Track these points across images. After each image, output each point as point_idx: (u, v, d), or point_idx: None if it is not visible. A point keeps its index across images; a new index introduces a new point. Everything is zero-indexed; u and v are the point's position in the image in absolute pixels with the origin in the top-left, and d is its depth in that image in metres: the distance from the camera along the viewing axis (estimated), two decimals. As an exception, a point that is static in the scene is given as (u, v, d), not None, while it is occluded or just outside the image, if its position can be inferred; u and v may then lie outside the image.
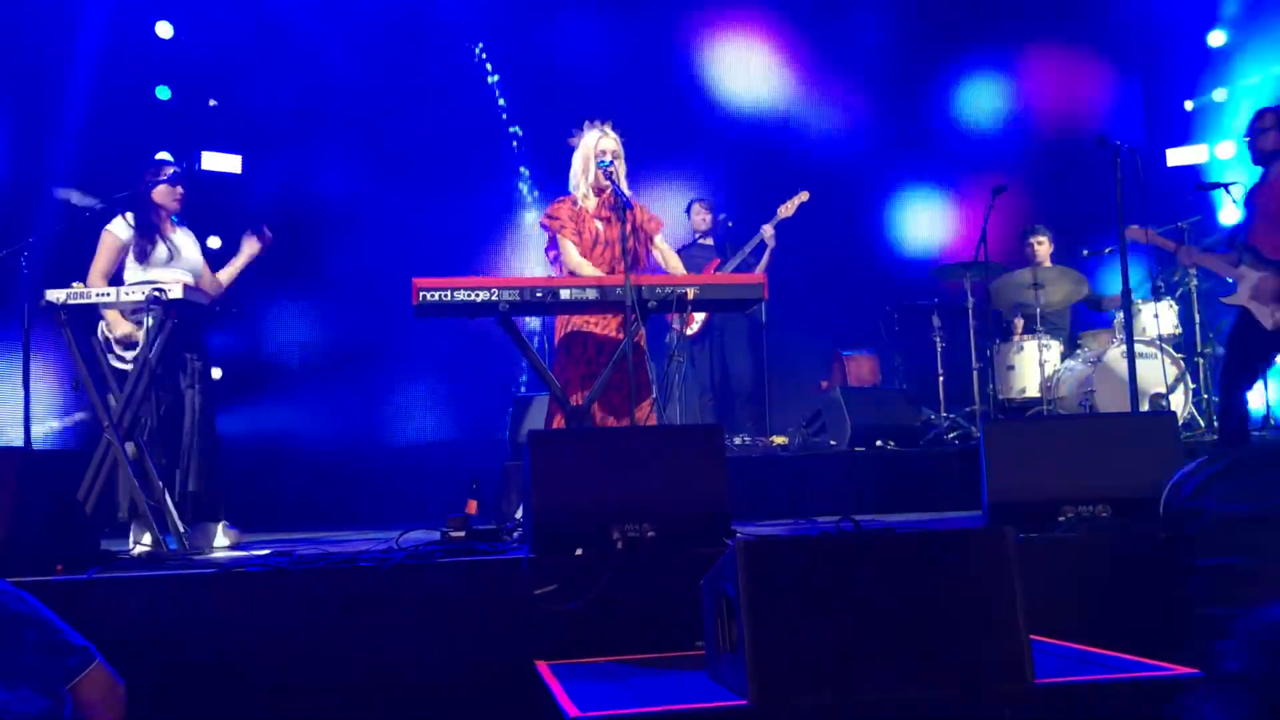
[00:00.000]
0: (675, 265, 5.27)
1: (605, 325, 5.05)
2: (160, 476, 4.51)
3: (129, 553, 4.28)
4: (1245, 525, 3.38)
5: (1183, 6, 9.12)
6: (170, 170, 5.28)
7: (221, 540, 4.89)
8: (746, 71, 9.19)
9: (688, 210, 8.12)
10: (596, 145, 5.09)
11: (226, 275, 5.47)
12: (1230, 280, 5.52)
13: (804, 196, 7.55)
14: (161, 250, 5.11)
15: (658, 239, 5.23)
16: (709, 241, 7.93)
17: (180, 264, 5.16)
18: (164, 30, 7.63)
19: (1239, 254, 5.38)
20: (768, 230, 7.50)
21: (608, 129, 5.13)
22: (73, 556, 3.56)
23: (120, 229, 5.08)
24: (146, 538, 4.40)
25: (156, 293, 4.44)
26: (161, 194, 5.18)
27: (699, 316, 7.50)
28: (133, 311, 4.69)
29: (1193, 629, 3.37)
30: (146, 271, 5.04)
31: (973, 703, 2.40)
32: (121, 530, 4.68)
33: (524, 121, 8.69)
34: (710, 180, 8.79)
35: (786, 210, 7.52)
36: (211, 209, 7.39)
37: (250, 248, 5.44)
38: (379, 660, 3.30)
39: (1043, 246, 7.74)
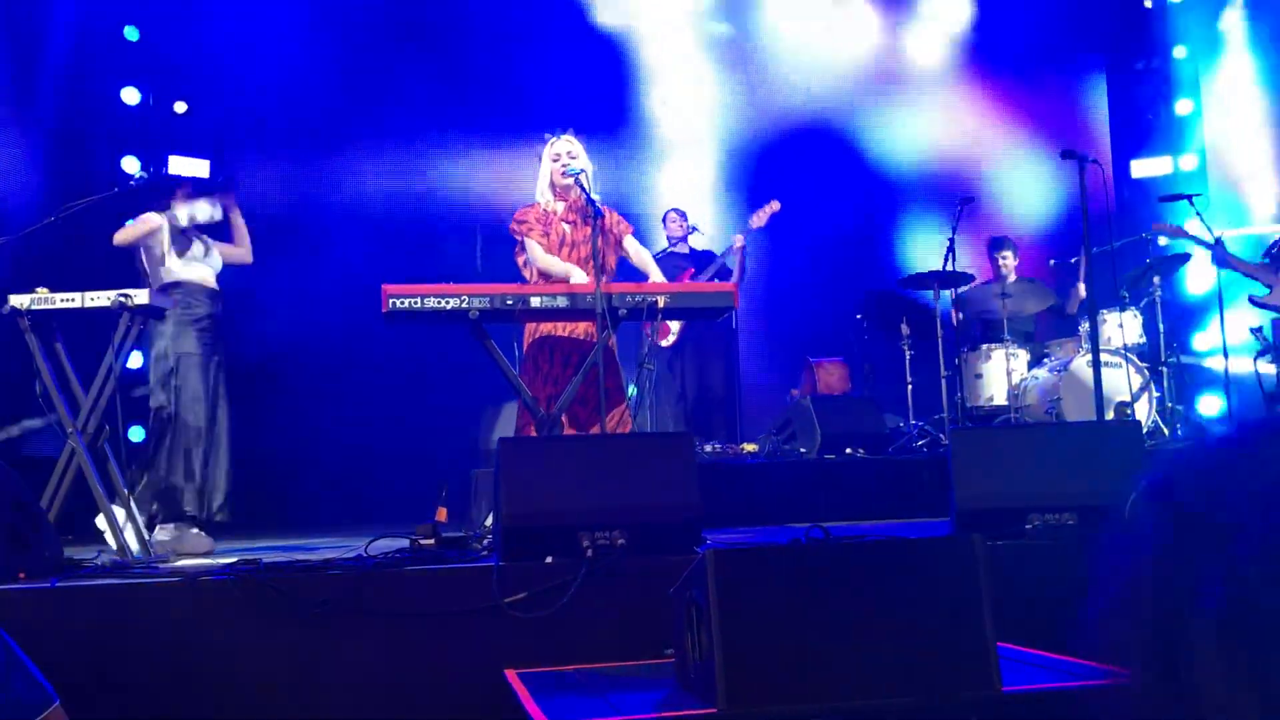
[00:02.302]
0: (649, 265, 5.29)
1: (574, 329, 5.07)
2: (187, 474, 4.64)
3: (94, 560, 4.23)
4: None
5: (1145, 20, 9.24)
6: (188, 190, 5.32)
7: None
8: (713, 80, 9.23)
9: (664, 220, 8.12)
10: (555, 151, 5.19)
11: (243, 247, 5.51)
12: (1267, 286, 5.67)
13: (775, 206, 7.60)
14: (198, 246, 5.21)
15: (627, 240, 5.27)
16: (683, 249, 7.94)
17: (211, 260, 5.25)
18: (131, 34, 7.58)
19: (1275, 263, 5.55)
20: (739, 240, 7.53)
21: (569, 136, 5.22)
22: (36, 564, 3.52)
23: (158, 218, 5.13)
24: (163, 533, 4.54)
25: (122, 299, 4.41)
26: (180, 208, 5.22)
27: (674, 328, 7.51)
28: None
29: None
30: (186, 265, 5.12)
31: (940, 710, 2.42)
32: (84, 537, 4.64)
33: (500, 125, 8.68)
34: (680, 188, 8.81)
35: (758, 220, 7.57)
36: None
37: (234, 215, 5.46)
38: (348, 669, 3.28)
39: (1008, 261, 7.82)
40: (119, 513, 4.36)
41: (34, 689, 2.52)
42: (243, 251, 5.49)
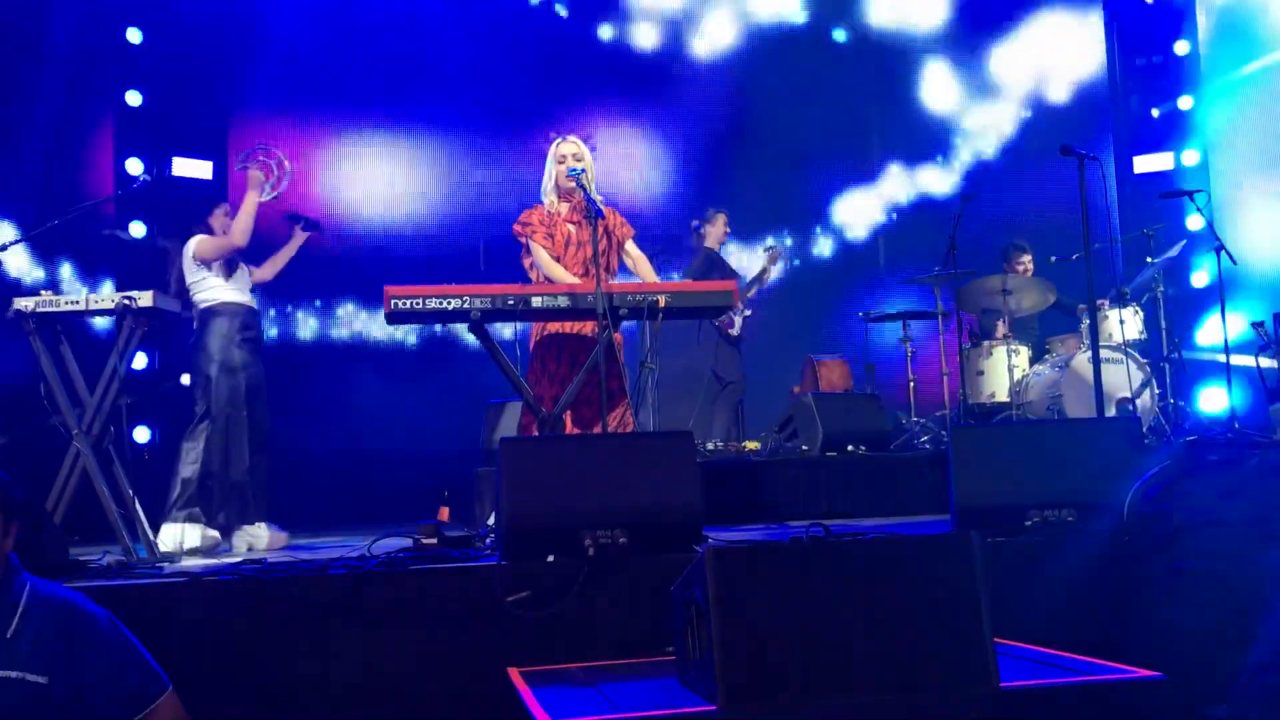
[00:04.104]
0: (646, 272, 5.29)
1: (581, 327, 5.07)
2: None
3: (99, 561, 4.25)
4: (1208, 529, 3.44)
5: (1150, 15, 9.23)
6: (223, 205, 5.37)
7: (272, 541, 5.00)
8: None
9: (707, 222, 7.97)
10: (560, 153, 5.19)
11: (269, 270, 5.55)
12: None
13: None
14: (241, 269, 5.28)
15: (629, 245, 5.27)
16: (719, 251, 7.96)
17: (243, 274, 5.29)
18: (134, 36, 7.59)
19: None
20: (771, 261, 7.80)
21: (572, 138, 5.24)
22: (41, 565, 3.54)
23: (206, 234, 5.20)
24: (191, 533, 4.63)
25: (127, 301, 4.43)
26: (219, 222, 5.28)
27: (737, 321, 7.69)
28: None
29: (1156, 632, 3.42)
30: (232, 282, 5.17)
31: (939, 706, 2.43)
32: (89, 538, 4.67)
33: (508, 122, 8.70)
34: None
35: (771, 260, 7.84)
36: (182, 216, 7.37)
37: (297, 240, 5.52)
38: (351, 668, 3.30)
39: (1027, 266, 7.84)
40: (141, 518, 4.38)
41: (151, 678, 2.60)
42: (268, 274, 5.54)
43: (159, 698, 2.60)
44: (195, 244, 5.14)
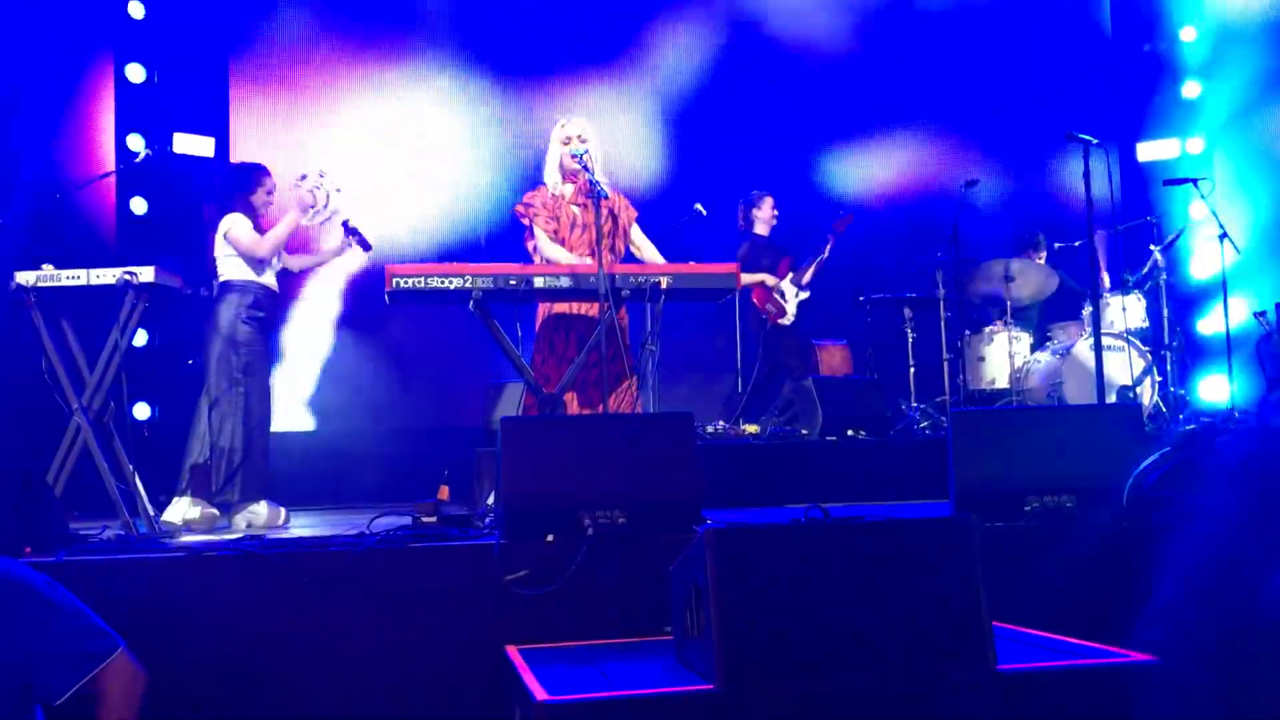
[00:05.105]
0: (651, 256, 5.27)
1: (589, 308, 5.05)
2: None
3: (99, 535, 4.26)
4: (1207, 517, 3.44)
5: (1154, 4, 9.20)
6: (268, 180, 5.30)
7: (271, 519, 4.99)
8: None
9: (756, 203, 7.90)
10: (565, 134, 5.16)
11: (301, 264, 5.55)
12: None
13: (850, 219, 7.85)
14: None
15: (634, 230, 5.26)
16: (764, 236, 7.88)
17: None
18: (136, 10, 7.55)
19: None
20: (831, 239, 7.73)
21: (576, 118, 5.22)
22: (41, 538, 3.55)
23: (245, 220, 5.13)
24: (191, 509, 4.66)
25: (128, 276, 4.42)
26: (260, 199, 5.24)
27: (791, 308, 7.61)
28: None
29: (1153, 617, 3.42)
30: (269, 272, 5.16)
31: (937, 688, 2.44)
32: (89, 512, 4.68)
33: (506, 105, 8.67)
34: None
35: (841, 226, 7.77)
36: (183, 193, 7.36)
37: (344, 252, 5.46)
38: (350, 645, 3.31)
39: (1042, 258, 7.82)
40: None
41: (98, 637, 2.60)
42: (297, 266, 5.54)
43: (108, 657, 2.59)
44: (230, 225, 5.06)
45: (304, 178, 5.16)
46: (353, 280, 7.87)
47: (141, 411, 7.01)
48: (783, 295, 7.61)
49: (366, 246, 5.37)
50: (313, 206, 5.11)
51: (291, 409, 7.87)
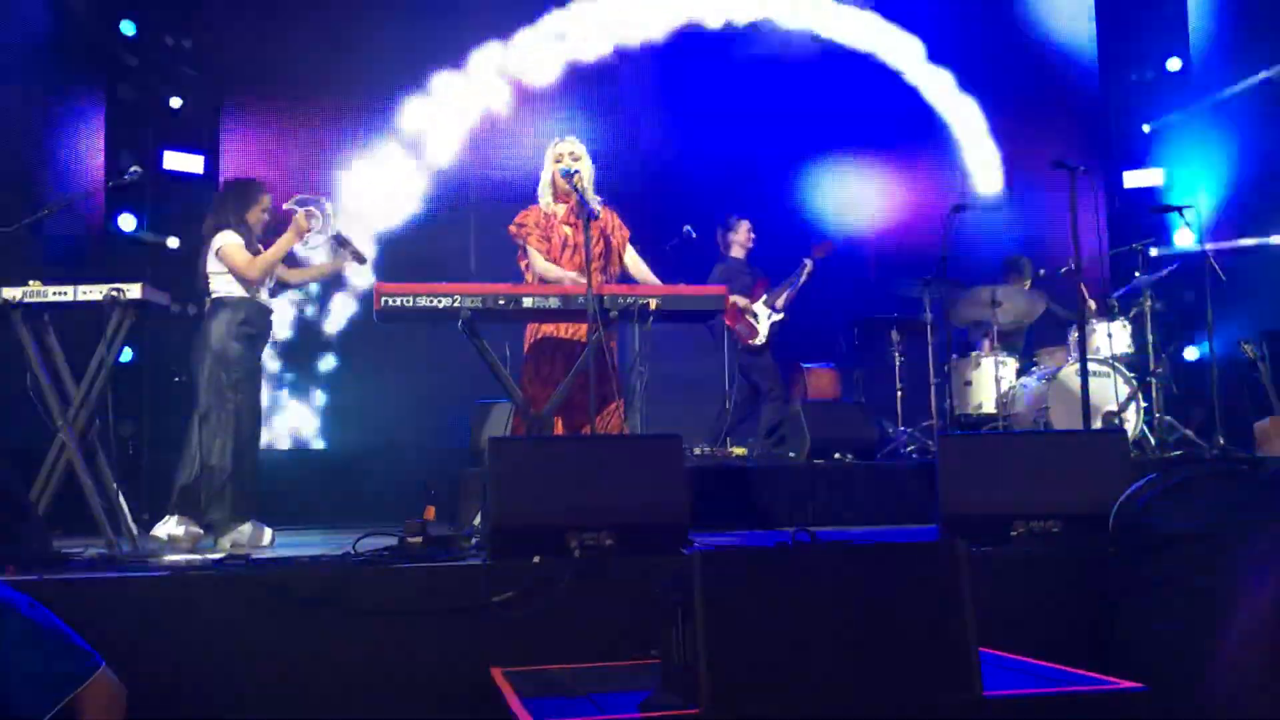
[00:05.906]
0: (645, 277, 5.26)
1: (577, 331, 5.04)
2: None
3: (82, 554, 4.23)
4: (1192, 542, 3.44)
5: (1141, 34, 9.28)
6: (264, 198, 5.26)
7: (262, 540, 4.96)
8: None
9: (732, 228, 7.93)
10: (557, 153, 5.17)
11: (298, 278, 5.50)
12: None
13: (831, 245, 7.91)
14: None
15: (628, 252, 5.25)
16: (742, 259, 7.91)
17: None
18: (127, 28, 7.56)
19: None
20: (809, 264, 7.74)
21: (570, 138, 5.23)
22: (24, 557, 3.52)
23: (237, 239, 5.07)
24: (177, 528, 4.63)
25: (115, 292, 4.41)
26: (255, 217, 5.19)
27: (763, 330, 7.62)
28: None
29: (1140, 644, 3.43)
30: (264, 290, 5.13)
31: (922, 714, 2.44)
32: (71, 530, 4.65)
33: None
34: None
35: (820, 253, 7.80)
36: (173, 210, 7.35)
37: (338, 264, 5.42)
38: (334, 666, 3.28)
39: (1025, 285, 7.86)
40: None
41: (78, 658, 2.58)
42: (293, 280, 5.50)
43: (89, 677, 2.57)
44: (222, 243, 5.01)
45: (302, 201, 5.13)
46: (338, 297, 7.87)
47: (126, 429, 6.99)
48: (755, 317, 7.62)
49: (361, 259, 5.34)
50: (309, 231, 5.09)
51: (276, 427, 7.85)
